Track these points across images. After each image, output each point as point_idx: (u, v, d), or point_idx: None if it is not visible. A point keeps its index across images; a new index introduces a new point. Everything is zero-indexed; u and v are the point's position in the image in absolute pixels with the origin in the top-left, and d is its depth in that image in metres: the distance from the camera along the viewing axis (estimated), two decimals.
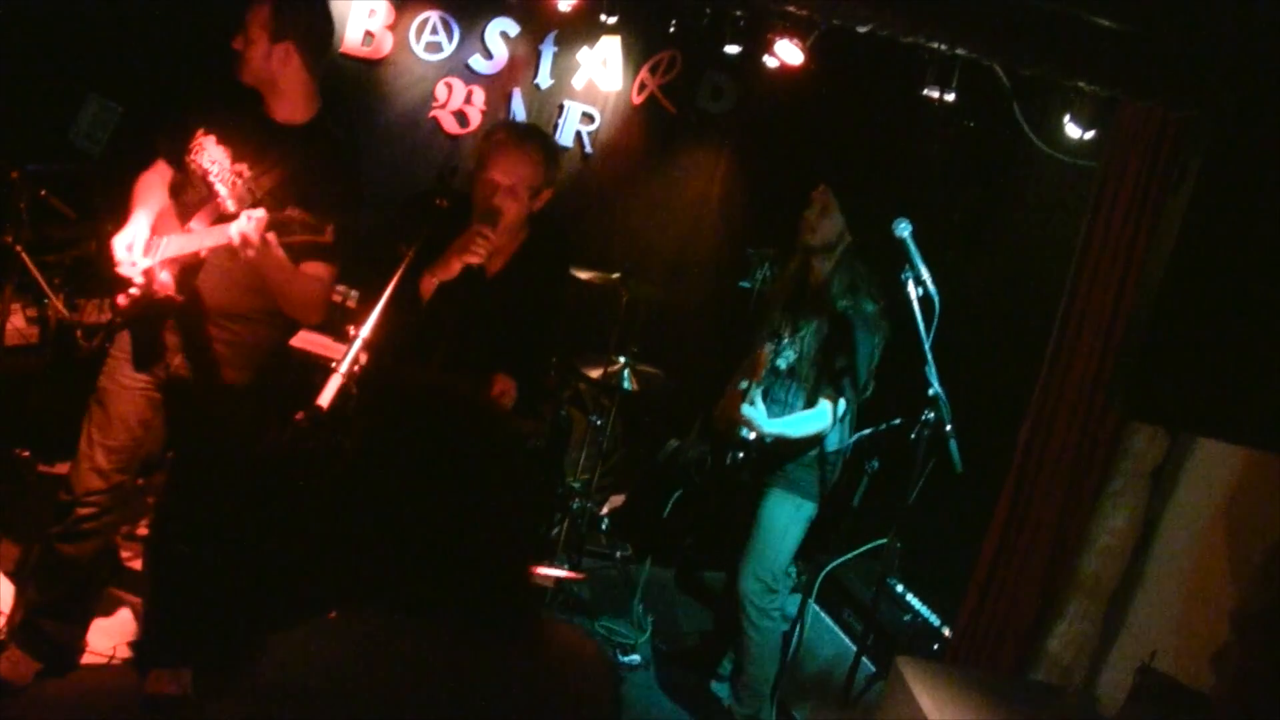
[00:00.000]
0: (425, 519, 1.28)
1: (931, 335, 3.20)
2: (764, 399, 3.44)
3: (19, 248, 3.16)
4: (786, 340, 3.49)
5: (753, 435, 3.42)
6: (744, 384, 3.45)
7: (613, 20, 4.66)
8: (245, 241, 2.49)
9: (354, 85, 4.86)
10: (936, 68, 3.91)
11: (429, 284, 2.81)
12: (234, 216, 2.68)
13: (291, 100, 2.85)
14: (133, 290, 2.82)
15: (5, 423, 3.59)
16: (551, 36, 5.05)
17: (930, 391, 3.19)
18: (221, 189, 2.81)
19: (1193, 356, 2.05)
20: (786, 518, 3.52)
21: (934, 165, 4.92)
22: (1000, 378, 3.83)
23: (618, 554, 4.75)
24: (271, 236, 2.49)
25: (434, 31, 4.91)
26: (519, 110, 5.08)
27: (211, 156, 2.84)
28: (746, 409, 3.35)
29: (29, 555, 3.11)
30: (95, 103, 4.36)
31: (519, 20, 4.99)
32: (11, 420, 3.60)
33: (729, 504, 3.82)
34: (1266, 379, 2.02)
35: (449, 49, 4.95)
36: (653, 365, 4.67)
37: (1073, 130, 3.56)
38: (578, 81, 5.14)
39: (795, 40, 4.24)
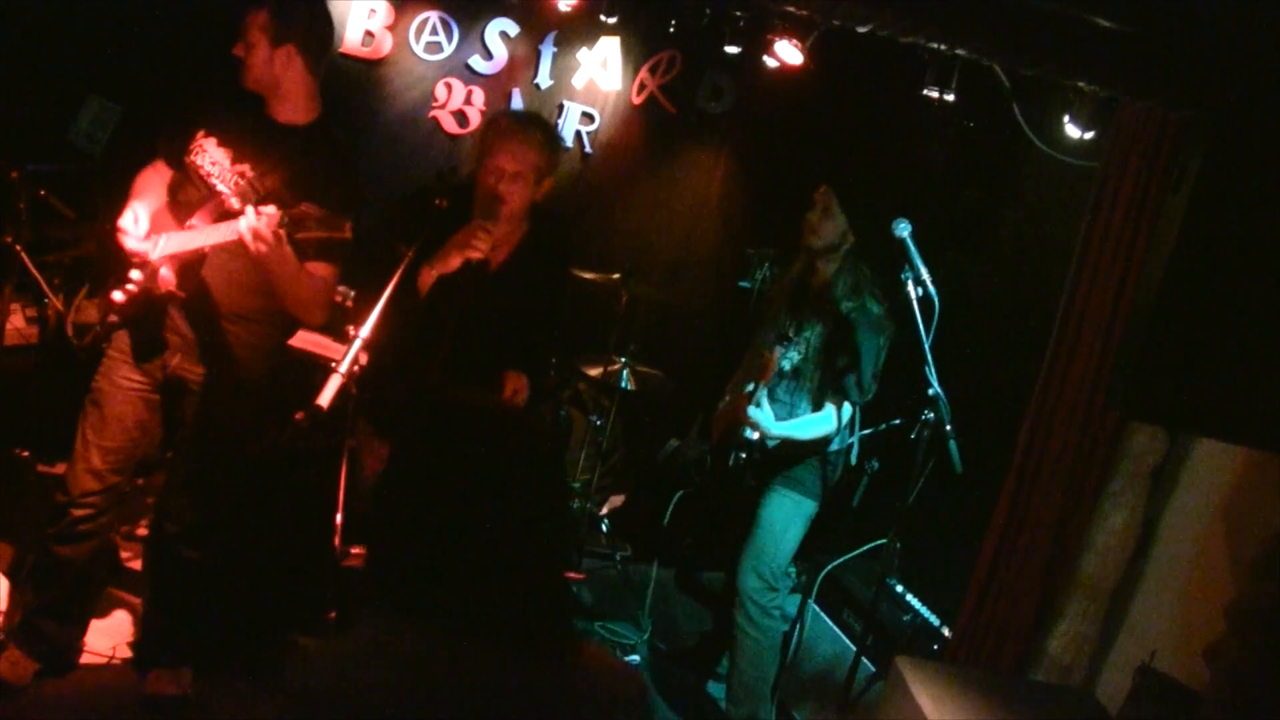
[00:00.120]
0: (466, 534, 1.27)
1: (931, 335, 3.20)
2: (768, 399, 3.45)
3: (19, 248, 3.15)
4: (790, 341, 3.49)
5: (756, 436, 3.42)
6: (749, 386, 3.45)
7: (612, 20, 4.66)
8: (256, 236, 2.49)
9: (354, 85, 4.86)
10: (936, 68, 3.91)
11: (427, 277, 2.79)
12: (238, 214, 2.68)
13: (294, 103, 2.85)
14: (130, 287, 2.82)
15: (5, 423, 3.59)
16: (551, 37, 5.05)
17: (930, 391, 3.19)
18: (223, 189, 2.81)
19: (1192, 356, 2.05)
20: (786, 515, 3.52)
21: (934, 165, 4.92)
22: (1000, 378, 3.83)
23: (617, 554, 4.75)
24: (282, 233, 2.49)
25: (434, 32, 4.91)
26: None
27: (212, 157, 2.84)
28: (753, 411, 3.35)
29: (26, 557, 3.10)
30: (95, 103, 4.35)
31: (519, 20, 4.99)
32: (11, 420, 3.60)
33: (729, 504, 3.82)
34: (1266, 379, 2.02)
35: (449, 49, 4.95)
36: (652, 365, 4.67)
37: (1073, 130, 3.56)
38: (578, 81, 5.14)
39: (795, 40, 4.24)
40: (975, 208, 4.66)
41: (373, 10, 4.82)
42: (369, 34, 4.84)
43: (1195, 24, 2.03)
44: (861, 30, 2.46)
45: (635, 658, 4.04)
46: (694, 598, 4.67)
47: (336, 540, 2.33)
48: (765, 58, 4.54)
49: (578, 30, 5.03)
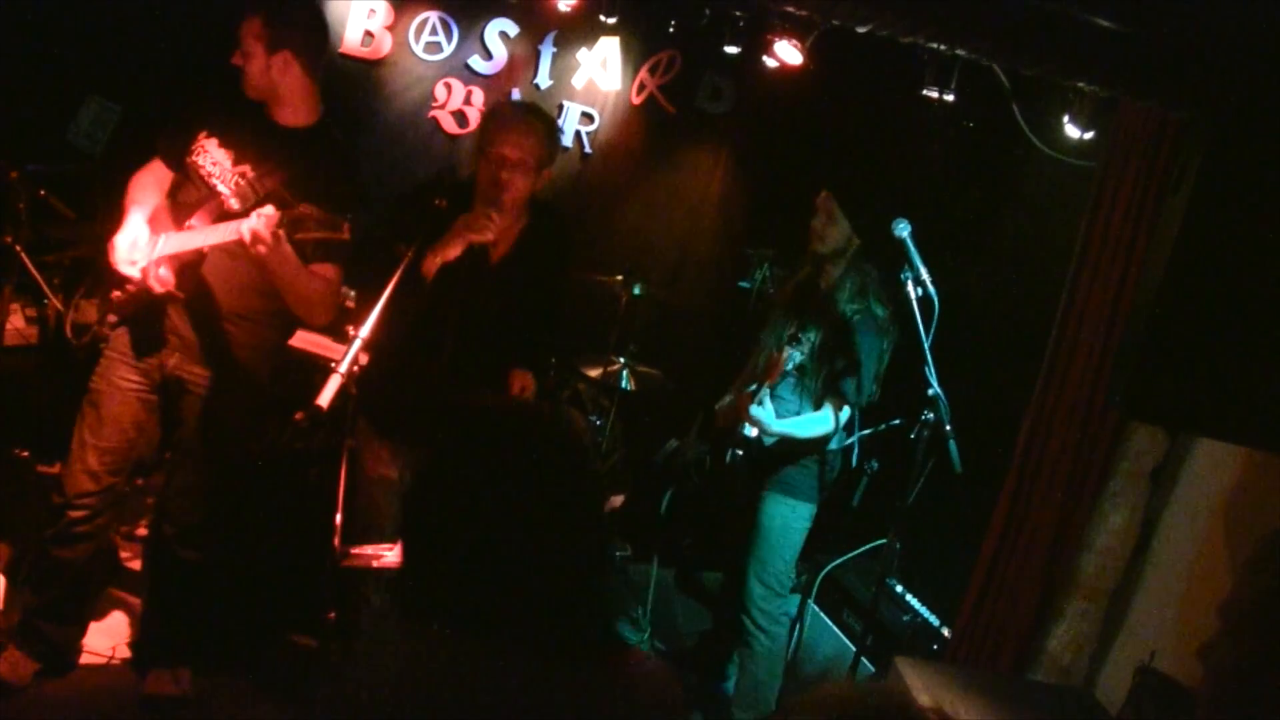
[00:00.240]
0: (503, 542, 1.27)
1: (931, 335, 3.20)
2: (770, 398, 3.45)
3: (19, 248, 3.15)
4: (796, 342, 3.50)
5: (754, 433, 3.42)
6: (752, 386, 3.45)
7: (612, 20, 4.65)
8: (256, 238, 2.49)
9: (353, 86, 4.86)
10: (936, 68, 3.90)
11: (432, 264, 2.78)
12: (237, 215, 2.68)
13: (295, 106, 2.86)
14: (129, 287, 2.82)
15: (4, 423, 3.58)
16: (551, 37, 5.04)
17: (930, 392, 3.19)
18: (223, 189, 2.81)
19: (1192, 356, 2.05)
20: (784, 521, 3.52)
21: (934, 165, 4.91)
22: (1000, 378, 3.83)
23: (617, 554, 4.75)
24: (282, 233, 2.49)
25: (433, 32, 4.91)
26: None
27: (213, 158, 2.84)
28: (755, 409, 3.35)
29: (23, 558, 3.10)
30: (95, 103, 4.35)
31: (518, 20, 4.99)
32: (11, 420, 3.60)
33: (728, 504, 3.82)
34: (1266, 379, 2.02)
35: (448, 49, 4.95)
36: (652, 365, 4.67)
37: (1072, 130, 3.56)
38: (577, 81, 5.14)
39: (794, 41, 4.24)
40: (975, 208, 4.66)
41: (372, 10, 4.81)
42: (369, 34, 4.83)
43: (1195, 24, 2.03)
44: (861, 30, 2.46)
45: None
46: (694, 598, 4.67)
47: (336, 540, 2.33)
48: (765, 58, 4.54)
49: (577, 30, 5.03)
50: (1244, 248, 2.01)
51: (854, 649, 3.57)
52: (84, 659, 3.14)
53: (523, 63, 5.06)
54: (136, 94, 4.34)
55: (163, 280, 2.77)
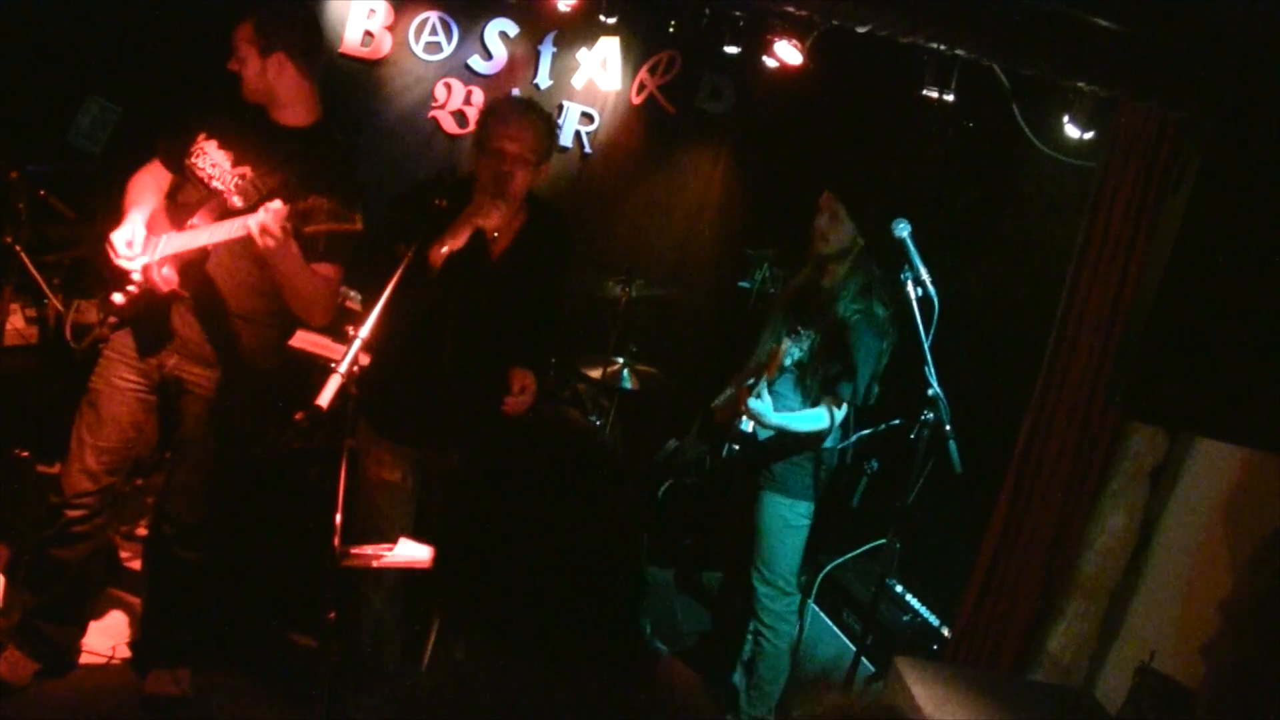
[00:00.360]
0: (542, 557, 1.28)
1: (931, 335, 3.20)
2: (769, 393, 3.45)
3: (18, 248, 3.15)
4: (798, 336, 3.50)
5: (751, 427, 3.43)
6: (750, 380, 3.46)
7: (612, 20, 4.65)
8: (264, 231, 2.49)
9: (353, 86, 4.86)
10: (936, 68, 3.91)
11: (438, 255, 2.76)
12: (240, 212, 2.68)
13: (293, 107, 2.86)
14: (130, 288, 2.82)
15: (4, 423, 3.59)
16: (551, 37, 5.05)
17: (929, 392, 3.19)
18: (223, 189, 2.81)
19: (1192, 356, 2.05)
20: (782, 519, 3.52)
21: (934, 165, 4.92)
22: (1000, 378, 3.83)
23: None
24: (290, 226, 2.49)
25: (433, 32, 4.91)
26: None
27: (213, 159, 2.84)
28: (753, 402, 3.35)
29: (23, 558, 3.11)
30: (95, 103, 4.36)
31: (518, 20, 4.99)
32: (11, 420, 3.60)
33: (727, 503, 3.82)
34: (1266, 379, 2.02)
35: (448, 49, 4.95)
36: (652, 365, 4.67)
37: (1072, 130, 3.56)
38: (577, 82, 5.15)
39: (794, 41, 4.24)
40: (975, 208, 4.67)
41: (372, 10, 4.82)
42: (369, 34, 4.84)
43: (1195, 24, 2.03)
44: (861, 30, 2.46)
45: None
46: (694, 598, 4.67)
47: (336, 540, 2.33)
48: (765, 58, 4.54)
49: (577, 30, 5.04)
50: (1244, 248, 2.01)
51: (854, 649, 3.58)
52: (84, 659, 3.14)
53: (523, 63, 5.06)
54: (136, 94, 4.35)
55: (167, 280, 2.77)
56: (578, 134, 5.20)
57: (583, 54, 5.11)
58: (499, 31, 4.98)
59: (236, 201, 2.78)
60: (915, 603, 3.88)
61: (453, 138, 5.04)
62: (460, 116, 5.02)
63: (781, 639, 3.58)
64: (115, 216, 2.85)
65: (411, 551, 2.43)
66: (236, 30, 2.78)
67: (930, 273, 3.23)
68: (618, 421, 4.69)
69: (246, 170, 2.81)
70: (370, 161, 4.70)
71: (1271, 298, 2.01)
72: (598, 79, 5.15)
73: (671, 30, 4.79)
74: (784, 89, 4.92)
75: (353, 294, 4.06)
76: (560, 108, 5.13)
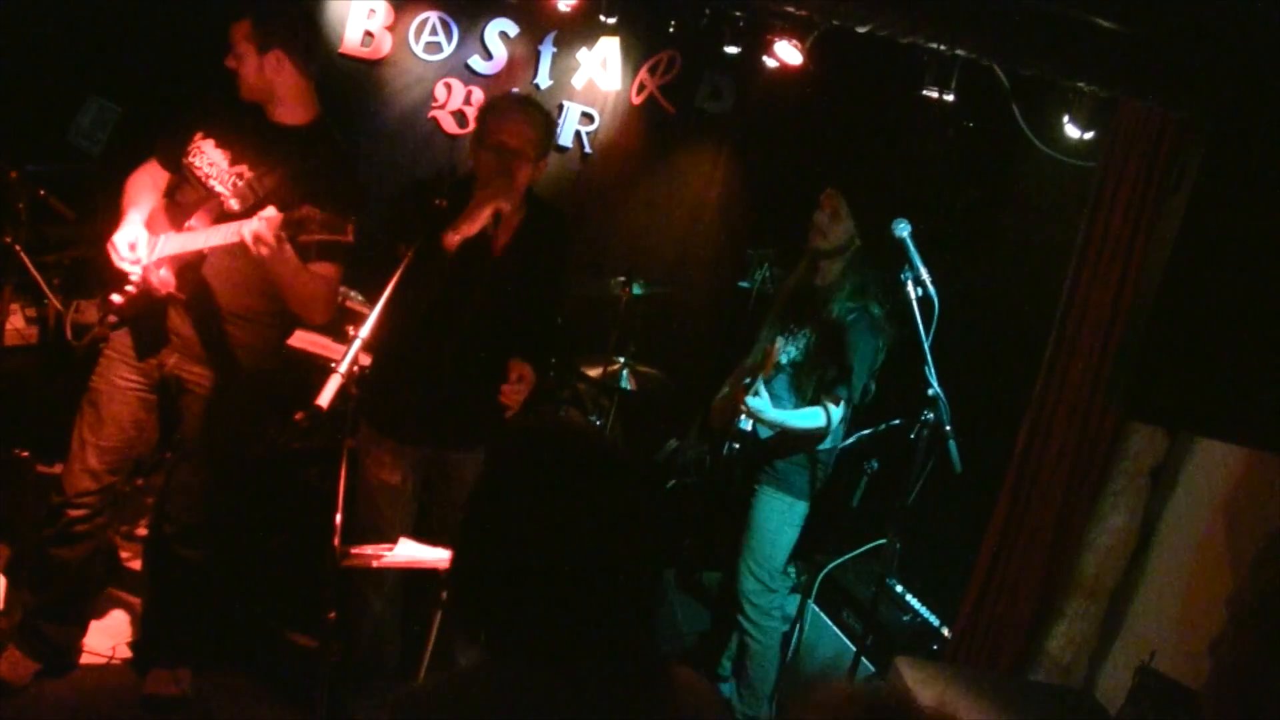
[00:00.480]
0: (556, 564, 1.28)
1: (931, 335, 3.20)
2: (766, 393, 3.46)
3: (18, 248, 3.15)
4: (792, 336, 3.50)
5: (750, 425, 3.43)
6: (746, 380, 3.46)
7: (612, 20, 4.65)
8: (258, 239, 2.49)
9: (353, 86, 4.86)
10: (936, 68, 3.90)
11: (452, 240, 2.75)
12: (237, 215, 2.68)
13: (291, 105, 2.86)
14: (129, 289, 2.82)
15: (4, 423, 3.59)
16: (551, 37, 5.05)
17: (929, 392, 3.19)
18: (221, 189, 2.82)
19: (1192, 356, 2.05)
20: (778, 517, 3.53)
21: (934, 165, 4.92)
22: (1000, 378, 3.83)
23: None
24: (284, 234, 2.49)
25: (433, 32, 4.91)
26: None
27: (210, 159, 2.85)
28: (751, 400, 3.36)
29: (23, 558, 3.11)
30: (95, 103, 4.36)
31: (518, 20, 4.99)
32: (11, 420, 3.60)
33: (726, 503, 3.82)
34: (1266, 379, 2.02)
35: (448, 49, 4.95)
36: (652, 365, 4.67)
37: (1072, 130, 3.56)
38: (577, 82, 5.14)
39: (794, 41, 4.24)
40: (975, 208, 4.66)
41: (372, 10, 4.82)
42: (369, 34, 4.84)
43: (1195, 24, 2.03)
44: (861, 30, 2.46)
45: None
46: (694, 598, 4.67)
47: (336, 540, 2.33)
48: (765, 58, 4.54)
49: (577, 30, 5.03)
50: (1244, 248, 2.01)
51: (854, 649, 3.57)
52: (84, 659, 3.14)
53: (523, 63, 5.06)
54: (136, 94, 4.34)
55: (164, 281, 2.77)
56: (578, 134, 5.20)
57: (583, 54, 5.11)
58: (499, 31, 4.98)
59: (234, 204, 2.78)
60: (915, 603, 3.88)
61: (453, 138, 5.03)
62: (460, 116, 5.02)
63: (767, 634, 3.58)
64: (115, 216, 2.85)
65: (412, 552, 2.44)
66: (234, 28, 2.78)
67: (930, 273, 3.23)
68: (618, 421, 4.69)
69: (244, 169, 2.81)
70: (370, 161, 4.69)
71: (1271, 298, 2.01)
72: (598, 79, 5.15)
73: (671, 30, 4.79)
74: (784, 89, 4.92)
75: (353, 294, 4.07)
76: (560, 108, 5.12)
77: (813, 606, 3.93)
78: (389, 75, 4.93)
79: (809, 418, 3.42)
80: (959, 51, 2.88)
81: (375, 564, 2.43)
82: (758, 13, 4.37)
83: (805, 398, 3.47)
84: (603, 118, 5.21)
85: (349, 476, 2.50)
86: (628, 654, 1.31)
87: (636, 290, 4.46)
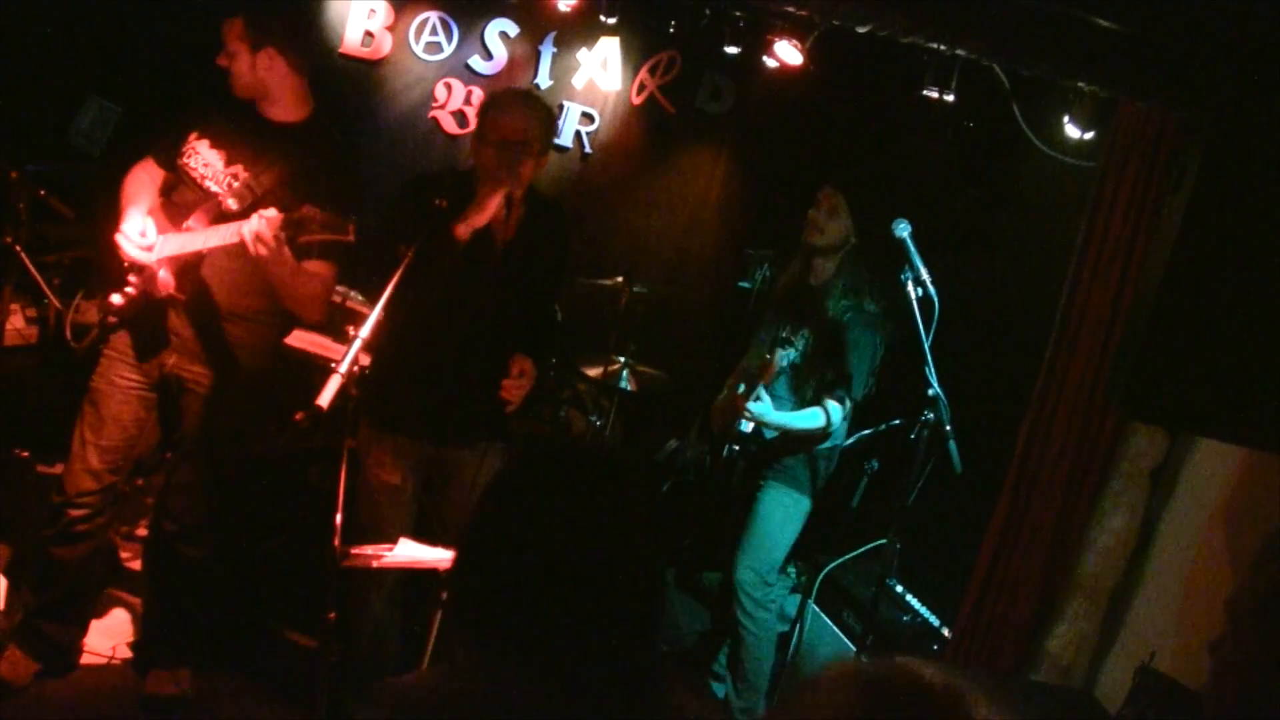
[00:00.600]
0: (559, 569, 1.27)
1: (931, 335, 3.20)
2: (767, 395, 3.46)
3: (19, 248, 3.15)
4: (789, 342, 3.50)
5: (751, 428, 3.43)
6: (741, 388, 3.46)
7: (612, 21, 4.66)
8: (258, 239, 2.49)
9: (353, 86, 4.86)
10: (936, 68, 3.90)
11: (464, 230, 2.74)
12: (235, 215, 2.68)
13: (284, 103, 2.86)
14: (129, 289, 2.82)
15: (5, 423, 3.59)
16: (551, 37, 5.05)
17: (930, 392, 3.19)
18: (216, 190, 2.82)
19: (1192, 356, 2.05)
20: (783, 512, 3.54)
21: (934, 165, 4.91)
22: (1000, 378, 3.83)
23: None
24: (284, 235, 2.49)
25: (433, 32, 4.91)
26: None
27: (205, 159, 2.85)
28: (753, 405, 3.36)
29: (24, 558, 3.11)
30: (95, 103, 4.36)
31: (518, 21, 4.99)
32: (11, 420, 3.60)
33: (726, 503, 3.83)
34: (1266, 379, 2.02)
35: (448, 49, 4.95)
36: (652, 365, 4.67)
37: (1072, 130, 3.56)
38: (577, 82, 5.14)
39: (794, 41, 4.24)
40: (975, 208, 4.66)
41: (372, 10, 4.82)
42: (369, 34, 4.84)
43: (1195, 24, 2.03)
44: (861, 30, 2.46)
45: None
46: (694, 597, 4.67)
47: (336, 540, 2.33)
48: (765, 58, 4.54)
49: (577, 30, 5.03)
50: (1244, 248, 2.01)
51: (854, 649, 3.57)
52: (84, 659, 3.14)
53: (523, 63, 5.06)
54: (136, 94, 4.34)
55: (164, 283, 2.77)
56: (578, 134, 5.20)
57: (583, 54, 5.11)
58: (499, 31, 4.98)
59: (231, 204, 2.78)
60: (915, 603, 3.87)
61: (453, 138, 5.03)
62: (460, 116, 5.02)
63: (761, 626, 3.59)
64: (114, 216, 2.85)
65: (412, 552, 2.44)
66: (226, 26, 2.78)
67: (930, 273, 3.23)
68: (618, 421, 4.69)
69: (239, 170, 2.82)
70: (370, 161, 4.69)
71: (1271, 298, 2.01)
72: (598, 79, 5.15)
73: (671, 30, 4.79)
74: (784, 89, 4.92)
75: (353, 294, 4.07)
76: (560, 108, 5.12)
77: (813, 607, 3.93)
78: (389, 75, 4.93)
79: (810, 419, 3.43)
80: (959, 51, 2.89)
81: (375, 564, 2.43)
82: (758, 13, 4.37)
83: (805, 398, 3.48)
84: (603, 118, 5.21)
85: (349, 477, 2.50)
86: (628, 656, 1.31)
87: (636, 290, 4.46)
